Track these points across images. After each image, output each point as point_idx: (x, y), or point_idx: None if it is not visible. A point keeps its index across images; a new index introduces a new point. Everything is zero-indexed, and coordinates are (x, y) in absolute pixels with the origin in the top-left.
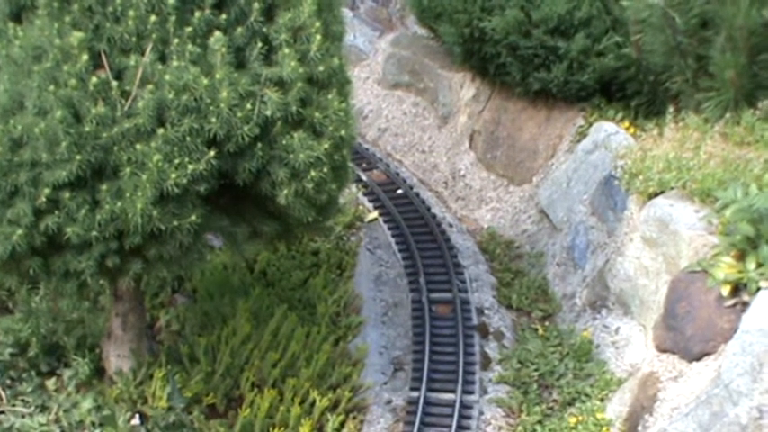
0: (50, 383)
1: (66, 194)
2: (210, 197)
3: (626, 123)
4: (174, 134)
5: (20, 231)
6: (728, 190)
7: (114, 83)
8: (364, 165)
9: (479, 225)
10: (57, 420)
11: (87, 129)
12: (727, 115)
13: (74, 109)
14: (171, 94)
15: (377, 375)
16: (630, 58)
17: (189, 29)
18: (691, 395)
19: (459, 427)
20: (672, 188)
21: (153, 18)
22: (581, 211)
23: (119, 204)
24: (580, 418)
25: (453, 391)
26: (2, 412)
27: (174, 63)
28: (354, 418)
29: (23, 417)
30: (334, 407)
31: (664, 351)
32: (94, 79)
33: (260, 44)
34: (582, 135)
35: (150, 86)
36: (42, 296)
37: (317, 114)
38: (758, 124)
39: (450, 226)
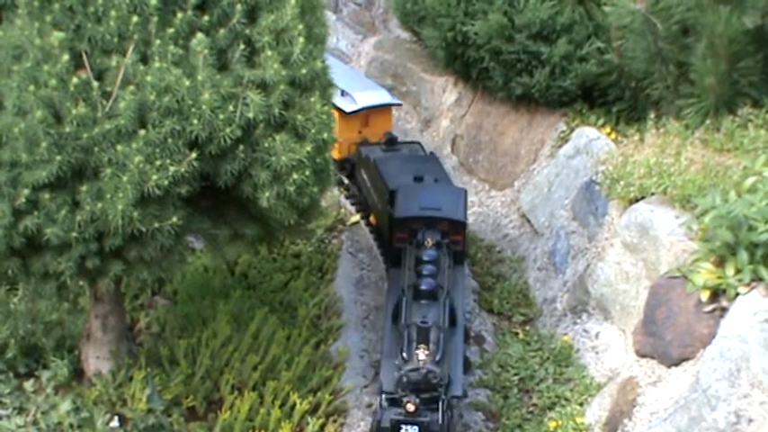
0: (28, 385)
1: (46, 195)
2: (192, 199)
3: (607, 129)
4: (155, 135)
5: None
6: (708, 196)
7: (95, 83)
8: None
9: None
10: (35, 422)
11: (68, 129)
12: (708, 122)
13: (54, 109)
14: (152, 96)
15: (357, 379)
16: (612, 63)
17: (171, 30)
18: (669, 400)
19: None
20: (652, 194)
21: (135, 19)
22: (562, 216)
23: (99, 205)
24: (560, 422)
25: None
26: None
27: (156, 64)
28: (335, 421)
29: (0, 419)
30: (314, 410)
31: (643, 356)
32: (75, 80)
33: (242, 46)
34: (564, 140)
35: (131, 87)
36: (21, 297)
37: (299, 117)
38: (738, 131)
39: None
